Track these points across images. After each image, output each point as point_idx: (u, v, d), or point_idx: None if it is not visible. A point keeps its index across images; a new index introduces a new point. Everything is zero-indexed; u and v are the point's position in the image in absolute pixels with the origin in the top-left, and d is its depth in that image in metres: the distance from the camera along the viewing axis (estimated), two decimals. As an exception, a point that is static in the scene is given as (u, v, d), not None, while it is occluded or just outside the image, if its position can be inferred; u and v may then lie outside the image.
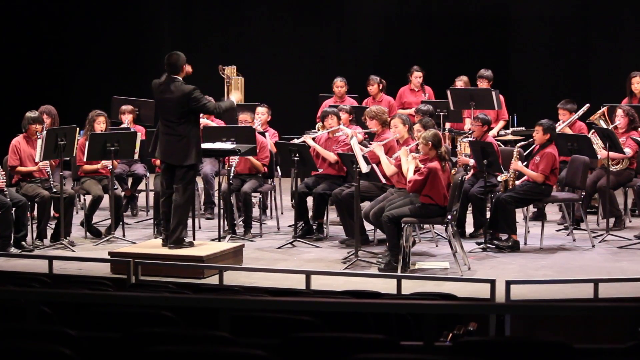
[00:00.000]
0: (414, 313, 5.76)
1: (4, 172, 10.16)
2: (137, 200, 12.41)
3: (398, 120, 10.35)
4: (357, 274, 9.00)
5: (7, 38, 16.04)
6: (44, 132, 10.34)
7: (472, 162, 10.73)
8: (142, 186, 12.24)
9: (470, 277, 8.86)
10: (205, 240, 10.36)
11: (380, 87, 13.05)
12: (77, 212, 11.59)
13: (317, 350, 4.53)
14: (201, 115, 9.94)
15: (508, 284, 7.59)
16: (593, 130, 11.19)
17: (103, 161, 10.92)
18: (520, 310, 6.19)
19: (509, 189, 10.25)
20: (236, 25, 16.30)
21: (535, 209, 11.28)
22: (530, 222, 10.76)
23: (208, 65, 14.09)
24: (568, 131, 11.36)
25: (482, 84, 12.89)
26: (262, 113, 11.75)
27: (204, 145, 9.95)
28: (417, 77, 13.41)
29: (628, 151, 10.90)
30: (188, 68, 9.50)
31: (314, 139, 10.98)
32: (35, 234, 10.41)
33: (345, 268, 9.44)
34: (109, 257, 9.38)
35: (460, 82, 13.15)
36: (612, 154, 10.68)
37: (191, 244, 9.60)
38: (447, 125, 12.92)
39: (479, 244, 10.23)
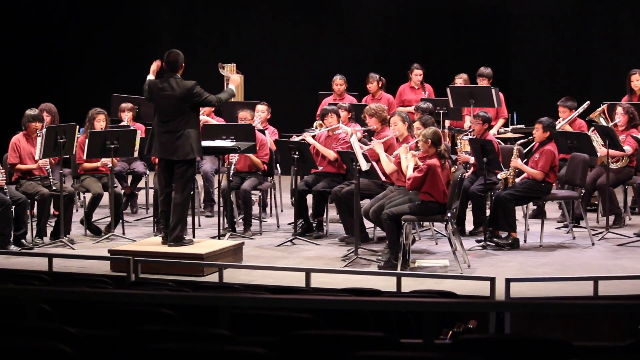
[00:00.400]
0: (414, 311, 5.76)
1: (3, 170, 10.15)
2: (137, 198, 12.40)
3: (398, 118, 10.35)
4: (356, 271, 9.00)
5: (7, 36, 16.03)
6: (44, 130, 10.35)
7: (472, 159, 10.73)
8: (141, 184, 12.24)
9: (470, 275, 8.87)
10: (205, 238, 10.36)
11: (380, 85, 13.05)
12: (76, 210, 11.59)
13: (317, 348, 4.53)
14: (201, 112, 9.94)
15: (508, 281, 7.60)
16: (593, 128, 11.19)
17: (103, 159, 10.92)
18: (520, 308, 6.19)
19: (509, 187, 10.25)
20: (236, 23, 16.29)
21: (535, 207, 11.27)
22: (530, 220, 10.76)
23: (207, 63, 14.09)
24: (568, 129, 11.35)
25: (482, 82, 12.89)
26: (261, 111, 11.75)
27: (204, 143, 9.95)
28: (417, 74, 13.41)
29: (628, 149, 10.90)
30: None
31: (313, 136, 10.98)
32: (35, 232, 10.41)
33: (345, 266, 9.45)
34: (108, 254, 9.39)
35: (460, 80, 13.14)
36: (612, 152, 10.68)
37: (191, 242, 9.60)
38: (447, 122, 12.91)
39: (478, 241, 10.23)
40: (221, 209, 10.74)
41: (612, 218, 10.88)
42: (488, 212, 10.38)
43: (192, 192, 9.87)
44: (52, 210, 10.84)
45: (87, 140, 10.58)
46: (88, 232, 10.94)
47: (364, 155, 9.74)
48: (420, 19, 15.80)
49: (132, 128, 11.28)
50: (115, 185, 10.85)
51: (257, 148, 10.98)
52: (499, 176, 10.37)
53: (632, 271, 9.00)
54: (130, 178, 12.06)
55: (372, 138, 10.45)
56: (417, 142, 9.58)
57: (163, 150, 9.48)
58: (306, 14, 16.08)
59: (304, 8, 16.09)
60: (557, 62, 15.26)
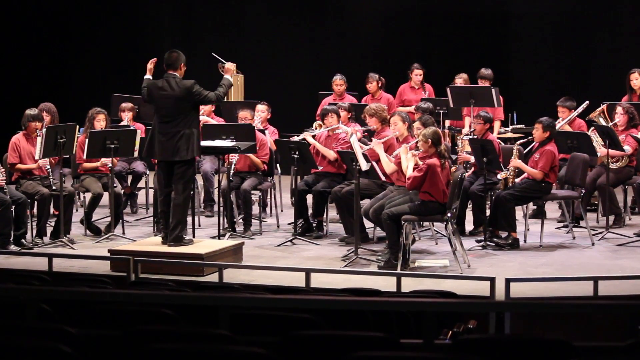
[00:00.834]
0: (414, 311, 5.76)
1: (3, 170, 10.16)
2: (137, 198, 12.40)
3: (398, 117, 10.35)
4: (356, 271, 9.00)
5: (7, 36, 16.03)
6: (44, 130, 10.35)
7: (472, 159, 10.73)
8: (141, 184, 12.24)
9: (469, 275, 8.87)
10: (205, 237, 10.36)
11: (379, 85, 13.05)
12: (76, 210, 11.59)
13: (317, 348, 4.53)
14: (200, 112, 9.94)
15: (508, 281, 7.59)
16: (593, 128, 11.19)
17: (103, 159, 10.92)
18: (520, 308, 6.19)
19: (509, 187, 10.25)
20: (236, 23, 16.30)
21: (535, 207, 11.27)
22: (529, 220, 10.76)
23: (207, 63, 14.08)
24: (568, 129, 11.35)
25: (483, 84, 12.88)
26: (261, 111, 11.75)
27: (204, 143, 9.95)
28: (417, 74, 13.41)
29: (628, 149, 10.90)
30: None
31: (314, 136, 10.98)
32: (35, 232, 10.41)
33: (345, 266, 9.45)
34: (108, 254, 9.39)
35: (460, 80, 13.14)
36: (611, 152, 10.68)
37: (191, 242, 9.60)
38: (447, 122, 12.92)
39: (478, 241, 10.23)
40: (221, 208, 10.74)
41: (612, 218, 10.88)
42: (488, 212, 10.38)
43: (192, 192, 9.87)
44: (52, 210, 10.84)
45: (87, 140, 10.58)
46: (88, 232, 10.95)
47: (364, 155, 9.74)
48: (420, 18, 15.80)
49: (132, 128, 11.28)
50: (115, 185, 10.85)
51: (257, 148, 10.98)
52: (499, 176, 10.37)
53: (632, 271, 9.00)
54: (130, 178, 12.06)
55: (372, 138, 10.45)
56: (417, 142, 9.58)
57: (163, 152, 9.45)
58: (306, 14, 16.09)
59: (304, 8, 16.10)
60: (557, 62, 15.26)
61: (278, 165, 11.86)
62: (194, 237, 9.92)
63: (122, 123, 11.83)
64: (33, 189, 10.33)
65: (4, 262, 9.53)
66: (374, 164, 9.96)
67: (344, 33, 16.03)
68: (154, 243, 9.76)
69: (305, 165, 10.69)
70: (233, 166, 10.90)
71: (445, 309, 5.40)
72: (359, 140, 10.30)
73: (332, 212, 11.18)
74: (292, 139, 11.01)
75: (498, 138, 11.55)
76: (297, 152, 10.44)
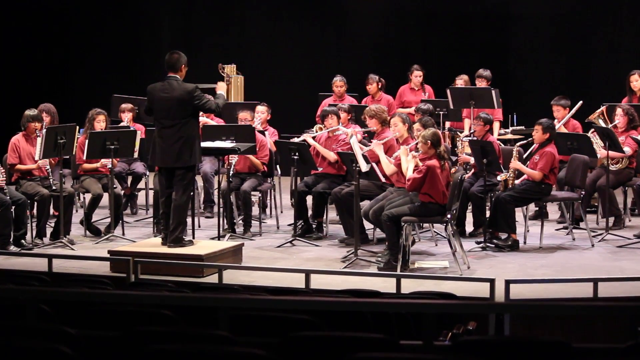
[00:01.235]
0: (413, 312, 5.76)
1: (3, 171, 10.15)
2: (137, 199, 12.40)
3: (398, 119, 10.35)
4: (356, 273, 9.00)
5: (7, 36, 16.04)
6: (44, 131, 10.34)
7: (472, 160, 10.73)
8: (141, 185, 12.24)
9: (469, 277, 8.86)
10: (204, 239, 10.36)
11: (379, 86, 13.05)
12: (76, 211, 11.59)
13: (317, 350, 4.53)
14: (200, 113, 9.93)
15: (507, 283, 7.59)
16: (593, 130, 11.19)
17: (103, 160, 10.93)
18: (520, 309, 6.19)
19: (509, 188, 10.25)
20: (236, 24, 16.30)
21: (537, 208, 11.28)
22: (529, 221, 10.76)
23: (208, 64, 14.10)
24: (563, 130, 11.34)
25: (481, 84, 12.89)
26: (261, 112, 11.75)
27: (204, 144, 9.95)
28: (417, 76, 13.41)
29: (627, 150, 10.90)
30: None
31: (314, 137, 10.98)
32: (34, 232, 10.41)
33: (345, 267, 9.45)
34: (108, 255, 9.38)
35: (461, 81, 13.15)
36: (611, 153, 10.68)
37: (191, 243, 9.60)
38: (447, 124, 12.92)
39: (478, 243, 10.23)
40: (221, 210, 10.74)
41: (611, 219, 10.88)
42: (488, 214, 10.38)
43: (192, 194, 9.86)
44: (51, 211, 10.84)
45: (87, 141, 10.58)
46: (88, 233, 10.94)
47: (364, 157, 9.74)
48: (420, 20, 15.81)
49: (132, 129, 11.28)
50: (115, 186, 10.85)
51: (257, 149, 10.98)
52: (498, 178, 10.37)
53: (631, 273, 9.00)
54: (130, 179, 12.06)
55: (372, 139, 10.45)
56: (417, 144, 9.58)
57: (164, 158, 9.42)
58: (306, 15, 16.10)
59: (304, 9, 16.11)
60: (557, 64, 15.27)
61: (278, 166, 11.85)
62: (193, 238, 9.92)
63: (122, 124, 11.84)
64: (33, 190, 10.33)
65: (3, 263, 9.53)
66: (374, 165, 9.96)
67: (344, 34, 16.04)
68: (153, 244, 9.76)
69: (305, 166, 10.69)
70: (233, 167, 10.90)
71: (445, 310, 5.40)
72: (360, 141, 10.30)
73: (331, 214, 11.18)
74: (292, 140, 11.01)
75: (498, 139, 11.55)
76: (297, 153, 10.44)
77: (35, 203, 10.46)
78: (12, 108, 12.55)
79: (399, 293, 7.70)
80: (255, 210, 11.47)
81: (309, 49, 15.99)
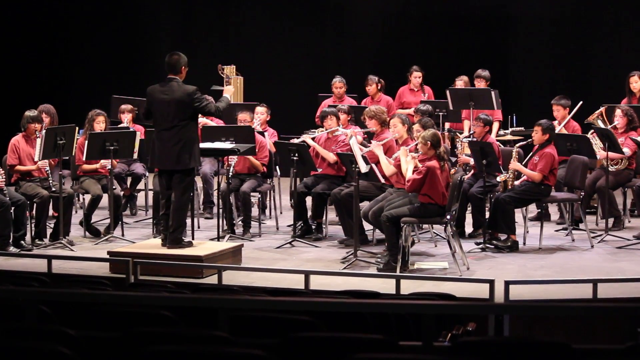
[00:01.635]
0: (413, 313, 5.76)
1: (3, 172, 10.15)
2: (136, 200, 12.41)
3: (397, 120, 10.35)
4: (356, 273, 9.00)
5: (7, 37, 16.04)
6: (43, 132, 10.34)
7: (472, 161, 10.73)
8: (141, 185, 12.24)
9: (469, 277, 8.86)
10: (204, 239, 10.35)
11: (379, 87, 13.06)
12: (76, 212, 11.59)
13: (316, 350, 4.53)
14: (200, 114, 9.93)
15: (507, 284, 7.59)
16: (592, 131, 11.19)
17: (102, 160, 10.92)
18: (519, 310, 6.19)
19: (508, 189, 10.25)
20: (235, 25, 16.31)
21: (538, 209, 11.27)
22: (529, 222, 10.76)
23: (207, 65, 14.10)
24: (563, 131, 11.34)
25: (480, 84, 12.90)
26: (261, 113, 11.75)
27: (204, 145, 9.94)
28: (416, 77, 13.42)
29: (627, 151, 10.90)
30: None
31: (313, 138, 10.98)
32: (34, 233, 10.41)
33: (344, 268, 9.44)
34: (108, 256, 9.37)
35: (461, 82, 13.16)
36: (611, 154, 10.68)
37: (190, 244, 9.59)
38: (447, 125, 12.93)
39: (478, 244, 10.24)
40: (220, 210, 10.74)
41: (611, 220, 10.89)
42: (487, 215, 10.38)
43: (191, 195, 9.86)
44: (51, 212, 10.84)
45: (86, 142, 10.57)
46: (87, 234, 10.94)
47: (364, 158, 9.74)
48: (419, 21, 15.82)
49: (131, 129, 11.28)
50: (114, 186, 10.85)
51: (257, 150, 10.98)
52: (498, 179, 10.37)
53: (631, 274, 9.00)
54: (129, 180, 12.06)
55: (372, 140, 10.45)
56: (416, 145, 9.58)
57: (163, 160, 9.41)
58: (306, 16, 16.11)
59: (304, 10, 16.11)
60: (556, 64, 15.28)
61: (277, 167, 11.86)
62: (193, 239, 9.91)
63: (121, 125, 11.83)
64: (32, 191, 10.33)
65: (3, 264, 9.52)
66: (374, 166, 9.97)
67: (344, 35, 16.05)
68: (153, 245, 9.75)
69: (304, 167, 10.69)
70: (232, 168, 10.90)
71: (444, 311, 5.40)
72: (360, 142, 10.30)
73: (331, 214, 11.18)
74: (291, 141, 11.01)
75: (497, 140, 11.55)
76: (296, 154, 10.44)
77: (35, 204, 10.45)
78: (12, 109, 12.55)
79: (399, 294, 7.70)
80: (255, 211, 11.47)
81: (309, 50, 15.99)
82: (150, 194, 11.82)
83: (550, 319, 7.41)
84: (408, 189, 9.43)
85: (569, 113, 11.54)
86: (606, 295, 8.01)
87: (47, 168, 10.52)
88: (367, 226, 10.38)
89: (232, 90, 10.28)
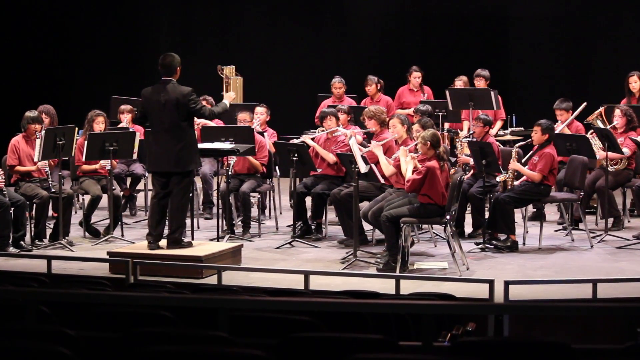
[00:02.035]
0: (413, 313, 5.76)
1: (2, 172, 10.15)
2: (136, 200, 12.40)
3: (397, 120, 10.35)
4: (355, 274, 9.00)
5: (7, 37, 16.04)
6: (43, 132, 10.34)
7: (471, 161, 10.73)
8: (140, 186, 12.24)
9: (468, 278, 8.86)
10: (203, 240, 10.36)
11: (378, 87, 13.05)
12: (75, 212, 11.58)
13: (316, 351, 4.53)
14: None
15: (506, 284, 7.59)
16: (592, 131, 11.20)
17: (102, 161, 10.92)
18: (519, 310, 6.19)
19: (508, 189, 10.25)
20: (235, 25, 16.31)
21: (535, 209, 11.28)
22: (528, 222, 10.76)
23: (207, 65, 14.10)
24: (566, 131, 11.35)
25: (479, 83, 12.91)
26: (260, 113, 11.75)
27: (203, 145, 9.93)
28: (416, 77, 13.42)
29: (626, 151, 10.90)
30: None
31: (313, 139, 10.98)
32: (33, 234, 10.41)
33: (344, 268, 9.44)
34: (107, 257, 9.37)
35: (460, 82, 13.15)
36: (610, 154, 10.69)
37: (190, 244, 9.59)
38: (446, 125, 12.93)
39: (477, 244, 10.24)
40: (220, 211, 10.74)
41: (611, 220, 10.89)
42: (487, 215, 10.38)
43: (191, 195, 9.86)
44: (50, 212, 10.83)
45: (86, 143, 10.57)
46: (87, 234, 10.94)
47: (363, 158, 9.74)
48: (418, 21, 15.82)
49: (131, 130, 11.28)
50: (114, 187, 10.85)
51: (256, 150, 10.98)
52: (497, 179, 10.37)
53: (630, 274, 9.00)
54: (129, 180, 12.06)
55: (371, 140, 10.45)
56: (416, 145, 9.58)
57: (160, 162, 9.36)
58: (305, 16, 16.11)
59: (303, 10, 16.11)
60: (556, 64, 15.28)
61: (277, 167, 11.86)
62: (192, 239, 9.91)
63: (121, 125, 11.83)
64: (32, 192, 10.33)
65: (3, 264, 9.52)
66: (373, 166, 9.96)
67: (343, 35, 16.05)
68: (152, 245, 9.75)
69: (304, 167, 10.69)
70: (232, 168, 10.90)
71: (444, 311, 5.40)
72: (360, 143, 10.30)
73: (331, 215, 11.17)
74: (291, 141, 11.01)
75: (497, 140, 11.56)
76: (296, 155, 10.44)
77: (35, 204, 10.44)
78: (12, 109, 12.55)
79: (398, 294, 7.69)
80: (255, 212, 11.47)
81: (308, 50, 15.99)
82: (150, 194, 11.81)
83: (550, 319, 7.40)
84: (408, 189, 9.42)
85: (572, 114, 11.55)
86: (606, 295, 8.01)
87: (47, 169, 10.52)
88: (366, 226, 10.38)
89: (232, 97, 10.26)
